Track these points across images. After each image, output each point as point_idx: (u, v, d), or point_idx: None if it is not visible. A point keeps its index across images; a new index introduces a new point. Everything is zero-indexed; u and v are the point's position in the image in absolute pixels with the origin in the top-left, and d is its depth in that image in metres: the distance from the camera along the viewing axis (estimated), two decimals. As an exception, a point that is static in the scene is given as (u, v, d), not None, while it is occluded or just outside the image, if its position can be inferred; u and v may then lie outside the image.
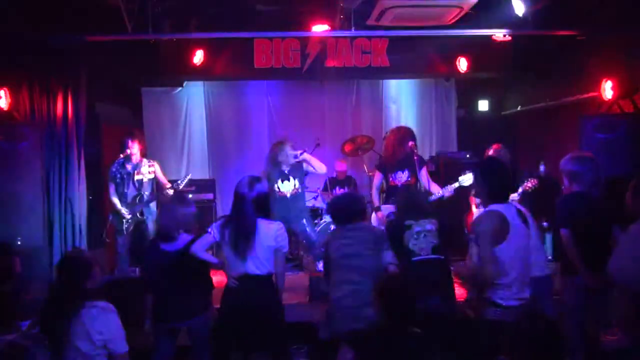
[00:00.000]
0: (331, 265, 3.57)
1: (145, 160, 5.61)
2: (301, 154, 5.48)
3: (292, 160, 5.50)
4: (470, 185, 4.90)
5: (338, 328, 3.39)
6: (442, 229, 3.60)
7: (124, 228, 5.45)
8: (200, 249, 3.45)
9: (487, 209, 2.99)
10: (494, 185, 3.02)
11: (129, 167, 5.51)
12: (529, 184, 4.46)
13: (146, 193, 5.57)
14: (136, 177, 5.52)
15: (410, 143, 5.43)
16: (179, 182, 5.59)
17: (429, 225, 3.58)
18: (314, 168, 5.56)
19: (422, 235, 3.55)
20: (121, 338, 2.75)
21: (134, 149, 5.49)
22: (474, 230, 2.97)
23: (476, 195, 3.43)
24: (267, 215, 3.49)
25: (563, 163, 3.68)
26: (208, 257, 3.51)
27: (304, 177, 5.77)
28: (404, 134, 5.44)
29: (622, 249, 2.92)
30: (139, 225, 5.52)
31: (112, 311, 2.74)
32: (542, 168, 5.61)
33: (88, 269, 2.81)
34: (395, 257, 3.54)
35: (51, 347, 2.73)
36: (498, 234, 2.87)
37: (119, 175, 5.48)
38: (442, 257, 3.58)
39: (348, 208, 3.73)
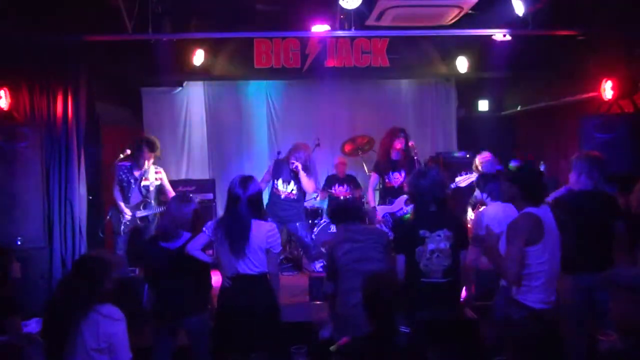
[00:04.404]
0: (340, 270, 3.45)
1: (152, 167, 5.58)
2: (295, 167, 5.54)
3: (291, 166, 5.58)
4: (468, 186, 4.92)
5: (352, 334, 3.31)
6: (456, 241, 3.32)
7: (121, 229, 5.43)
8: (196, 247, 3.45)
9: (524, 210, 3.02)
10: (526, 190, 3.05)
11: (136, 173, 5.48)
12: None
13: (151, 200, 5.56)
14: (143, 183, 5.50)
15: (411, 143, 5.45)
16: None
17: (443, 243, 3.28)
18: (301, 184, 5.63)
19: (434, 256, 3.27)
20: (125, 347, 2.71)
21: (149, 160, 5.46)
22: (509, 229, 2.99)
23: (509, 200, 3.34)
24: (260, 215, 3.48)
25: (577, 158, 3.75)
26: (202, 256, 3.50)
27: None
28: (399, 135, 5.48)
29: None
30: (137, 228, 5.51)
31: (120, 319, 2.70)
32: (542, 168, 5.61)
33: (108, 271, 2.78)
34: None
35: (51, 347, 2.71)
36: (531, 235, 2.92)
37: (125, 179, 5.46)
38: (452, 279, 3.33)
39: (345, 205, 3.72)
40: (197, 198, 5.51)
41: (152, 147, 5.45)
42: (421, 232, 3.29)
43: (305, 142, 5.91)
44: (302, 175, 5.57)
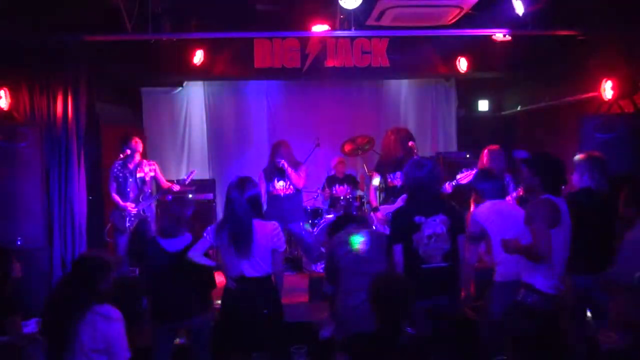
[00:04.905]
0: (340, 272, 3.44)
1: (144, 161, 5.66)
2: (281, 164, 5.55)
3: (278, 164, 5.60)
4: (469, 183, 4.92)
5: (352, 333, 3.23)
6: (453, 225, 3.38)
7: (127, 226, 5.45)
8: (197, 253, 3.45)
9: (541, 197, 3.07)
10: (547, 179, 3.09)
11: (130, 166, 5.54)
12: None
13: (148, 191, 5.63)
14: (138, 175, 5.55)
15: (411, 143, 5.43)
16: (185, 178, 5.68)
17: (439, 227, 3.33)
18: (290, 180, 5.64)
19: (432, 240, 3.30)
20: (123, 347, 2.70)
21: (139, 147, 5.54)
22: (529, 215, 3.02)
23: (526, 188, 3.39)
24: (260, 215, 3.48)
25: (579, 159, 3.77)
26: (205, 260, 3.50)
27: None
28: (403, 135, 5.45)
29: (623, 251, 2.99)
30: (141, 224, 5.52)
31: (117, 319, 2.70)
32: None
33: (106, 271, 2.79)
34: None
35: (50, 348, 2.71)
36: (552, 218, 2.96)
37: (121, 175, 5.50)
38: (452, 263, 3.37)
39: (347, 214, 3.79)
40: (191, 196, 5.60)
41: (134, 137, 5.55)
42: (416, 218, 3.33)
43: (284, 139, 5.92)
44: (290, 171, 5.61)
